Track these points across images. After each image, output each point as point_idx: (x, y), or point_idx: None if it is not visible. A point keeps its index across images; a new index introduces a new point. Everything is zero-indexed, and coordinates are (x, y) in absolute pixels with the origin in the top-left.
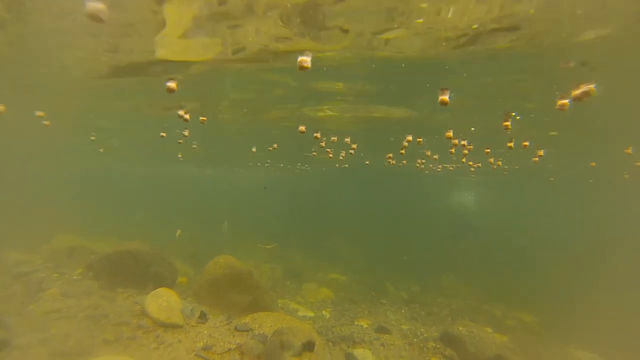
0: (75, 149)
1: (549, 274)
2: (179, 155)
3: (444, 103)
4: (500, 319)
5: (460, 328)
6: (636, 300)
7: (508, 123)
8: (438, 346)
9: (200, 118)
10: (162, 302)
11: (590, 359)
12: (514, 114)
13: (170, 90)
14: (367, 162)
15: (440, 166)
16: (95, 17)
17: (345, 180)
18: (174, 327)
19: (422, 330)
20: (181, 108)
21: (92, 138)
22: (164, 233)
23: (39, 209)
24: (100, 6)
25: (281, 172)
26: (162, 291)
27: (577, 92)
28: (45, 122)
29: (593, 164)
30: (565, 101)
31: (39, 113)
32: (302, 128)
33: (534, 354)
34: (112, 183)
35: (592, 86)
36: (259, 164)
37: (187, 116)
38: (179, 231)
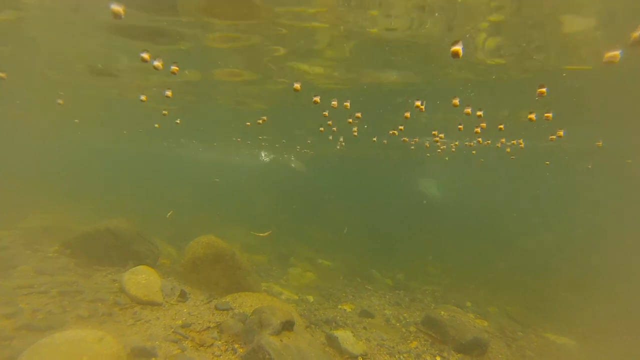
0: (53, 123)
1: (531, 264)
2: (156, 126)
3: (456, 55)
4: (483, 305)
5: (442, 313)
6: (612, 288)
7: (543, 90)
8: (419, 329)
9: (172, 67)
10: (141, 279)
11: (566, 344)
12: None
13: (117, 15)
14: (374, 139)
15: (450, 145)
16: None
17: (334, 167)
18: (152, 304)
19: (405, 315)
20: (144, 51)
21: (60, 102)
22: (148, 212)
23: (13, 185)
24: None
25: (273, 155)
26: (142, 269)
27: (637, 33)
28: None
29: (600, 143)
30: (616, 52)
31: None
32: (297, 86)
33: (512, 338)
34: (94, 160)
35: None
36: (249, 142)
37: (158, 63)
38: (170, 212)
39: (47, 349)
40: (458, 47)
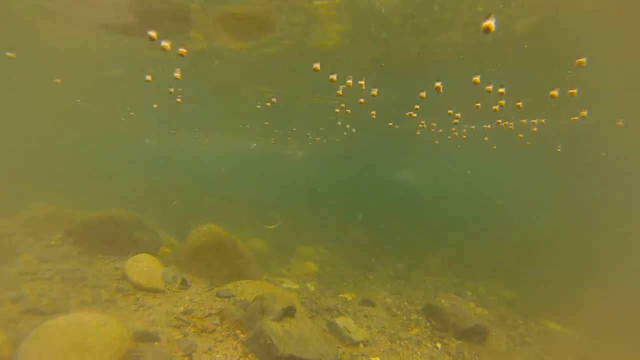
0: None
1: (531, 252)
2: (154, 106)
3: (487, 30)
4: (483, 295)
5: (443, 301)
6: (612, 278)
7: (583, 60)
8: (420, 317)
9: (180, 50)
10: (143, 266)
11: (564, 332)
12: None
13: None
14: (397, 127)
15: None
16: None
17: (336, 157)
18: (154, 291)
19: (406, 303)
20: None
21: (78, 101)
22: (148, 202)
23: (15, 174)
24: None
25: (274, 148)
26: (143, 256)
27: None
28: (9, 54)
29: (619, 122)
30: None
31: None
32: (316, 66)
33: (512, 325)
34: (96, 150)
35: None
36: (255, 128)
37: (165, 43)
38: (174, 202)
39: (53, 330)
40: (490, 22)
